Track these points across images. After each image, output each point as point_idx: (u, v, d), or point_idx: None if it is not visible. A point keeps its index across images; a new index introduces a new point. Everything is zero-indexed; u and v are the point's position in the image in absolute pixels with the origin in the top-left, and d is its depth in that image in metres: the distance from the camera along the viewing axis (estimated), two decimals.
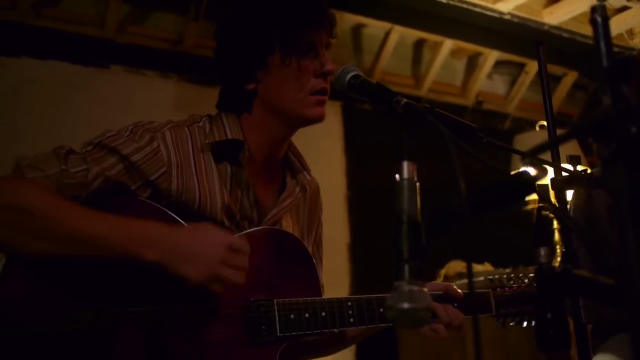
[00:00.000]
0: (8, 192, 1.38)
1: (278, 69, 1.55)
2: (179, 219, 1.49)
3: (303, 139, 1.73)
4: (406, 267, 0.87)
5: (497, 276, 1.71)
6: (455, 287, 1.66)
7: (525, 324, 1.70)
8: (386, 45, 4.28)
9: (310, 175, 1.74)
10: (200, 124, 1.61)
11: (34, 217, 1.34)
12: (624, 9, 4.18)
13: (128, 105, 3.50)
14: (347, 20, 4.12)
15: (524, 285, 1.70)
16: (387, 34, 4.27)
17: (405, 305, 0.85)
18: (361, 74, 1.39)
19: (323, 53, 1.58)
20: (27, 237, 1.35)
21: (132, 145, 1.49)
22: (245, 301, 1.49)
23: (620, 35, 4.37)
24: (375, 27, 4.30)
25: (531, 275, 1.72)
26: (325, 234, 1.89)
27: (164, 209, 1.49)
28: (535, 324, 0.98)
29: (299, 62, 1.55)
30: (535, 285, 1.68)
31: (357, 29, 4.35)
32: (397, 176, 0.91)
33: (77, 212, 1.38)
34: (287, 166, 1.72)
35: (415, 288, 0.86)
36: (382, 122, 3.23)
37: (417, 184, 0.91)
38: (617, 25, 4.27)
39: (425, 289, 0.87)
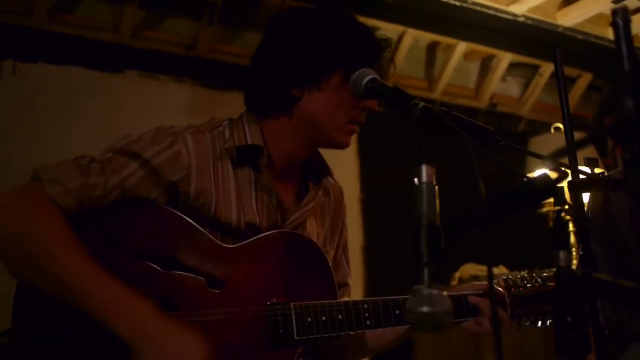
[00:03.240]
0: (27, 218, 1.37)
1: (335, 87, 1.55)
2: (194, 222, 1.49)
3: None
4: (425, 271, 0.87)
5: (511, 276, 1.71)
6: (497, 287, 1.67)
7: (539, 323, 1.70)
8: (399, 48, 4.27)
9: (333, 179, 1.74)
10: (221, 128, 1.61)
11: (40, 254, 1.34)
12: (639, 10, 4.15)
13: (143, 110, 3.52)
14: None
15: (538, 285, 1.70)
16: (401, 37, 4.27)
17: (425, 309, 0.85)
18: (378, 77, 1.39)
19: None
20: (27, 268, 1.36)
21: (153, 148, 1.49)
22: (261, 305, 1.49)
23: (635, 37, 4.34)
24: (388, 30, 4.29)
25: (545, 275, 1.73)
26: None
27: (180, 214, 1.50)
28: (554, 327, 0.97)
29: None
30: (549, 284, 1.71)
31: None
32: (415, 180, 0.91)
33: (79, 261, 1.35)
34: (308, 169, 1.72)
35: (434, 292, 0.86)
36: (396, 125, 3.23)
37: (436, 187, 0.91)
38: (633, 27, 4.24)
39: (445, 293, 0.87)
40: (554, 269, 0.99)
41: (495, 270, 3.64)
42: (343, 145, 1.63)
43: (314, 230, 1.71)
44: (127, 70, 3.61)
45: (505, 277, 1.70)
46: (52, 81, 3.37)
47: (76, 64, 3.46)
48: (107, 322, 1.31)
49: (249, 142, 1.58)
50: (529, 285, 1.70)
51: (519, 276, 1.72)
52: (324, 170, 1.73)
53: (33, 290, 1.37)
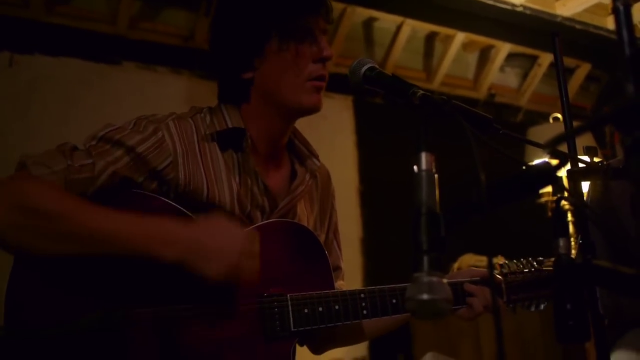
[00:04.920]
0: (20, 193, 1.35)
1: (275, 55, 1.54)
2: (187, 212, 1.48)
3: (316, 134, 1.73)
4: (425, 259, 0.87)
5: (507, 263, 1.71)
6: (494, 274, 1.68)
7: (533, 308, 1.71)
8: (398, 39, 4.27)
9: (319, 161, 1.72)
10: (202, 114, 1.61)
11: (51, 219, 1.33)
12: None
13: (140, 101, 3.52)
14: (358, 14, 4.11)
15: (533, 270, 1.71)
16: (399, 28, 4.26)
17: (425, 296, 0.84)
18: (376, 66, 1.38)
19: (321, 39, 1.57)
20: (46, 239, 1.33)
21: (136, 136, 1.47)
22: (258, 297, 1.48)
23: (635, 27, 4.33)
24: (386, 20, 4.28)
25: (540, 259, 1.74)
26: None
27: (172, 202, 1.48)
28: (554, 315, 0.97)
29: (296, 48, 1.53)
30: (544, 269, 1.71)
31: (368, 23, 4.34)
32: (415, 168, 0.90)
33: (94, 212, 1.36)
34: (293, 153, 1.71)
35: (434, 279, 0.85)
36: (394, 116, 3.23)
37: (436, 175, 0.90)
38: (634, 16, 4.23)
39: (445, 280, 0.86)
40: (552, 258, 0.99)
41: (494, 261, 3.64)
42: (314, 107, 1.58)
43: (304, 214, 1.70)
44: (124, 61, 3.60)
45: (502, 264, 1.71)
46: (49, 73, 3.36)
47: (73, 56, 3.45)
48: (151, 253, 1.34)
49: (230, 125, 1.57)
50: (525, 270, 1.71)
51: (515, 262, 1.72)
52: (309, 152, 1.71)
53: (24, 285, 1.36)
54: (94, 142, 1.46)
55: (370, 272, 4.03)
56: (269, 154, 1.64)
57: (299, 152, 1.71)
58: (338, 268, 1.80)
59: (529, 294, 1.69)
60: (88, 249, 1.35)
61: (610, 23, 4.36)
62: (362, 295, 1.55)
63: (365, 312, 1.54)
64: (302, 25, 1.54)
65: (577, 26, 4.41)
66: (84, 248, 1.35)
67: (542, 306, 1.72)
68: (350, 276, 1.87)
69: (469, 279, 1.64)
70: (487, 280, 1.63)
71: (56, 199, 1.35)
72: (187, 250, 1.35)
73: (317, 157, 1.72)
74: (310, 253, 1.58)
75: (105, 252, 1.35)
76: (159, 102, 3.54)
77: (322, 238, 1.75)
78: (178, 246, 1.35)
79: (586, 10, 4.32)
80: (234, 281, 1.38)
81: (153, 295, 1.41)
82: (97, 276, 1.39)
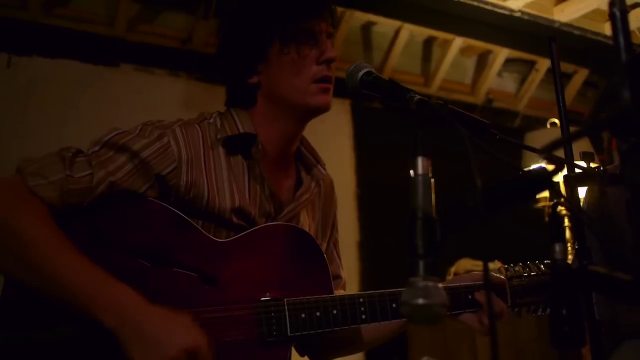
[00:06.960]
0: (7, 209, 1.34)
1: (278, 58, 1.54)
2: (185, 216, 1.47)
3: (313, 137, 1.73)
4: (421, 263, 0.86)
5: (512, 265, 1.69)
6: (496, 275, 1.65)
7: (540, 312, 1.67)
8: (396, 43, 4.27)
9: (325, 169, 1.71)
10: (211, 120, 1.59)
11: (20, 244, 1.32)
12: (635, 5, 4.15)
13: (138, 104, 3.51)
14: (356, 18, 4.11)
15: (538, 274, 1.68)
16: (397, 32, 4.26)
17: (420, 301, 0.84)
18: (373, 70, 1.38)
19: (323, 40, 1.56)
20: (8, 259, 1.33)
21: (141, 141, 1.46)
22: (254, 301, 1.46)
23: (632, 33, 4.34)
24: (385, 25, 4.29)
25: (547, 261, 1.70)
26: None
27: (171, 207, 1.47)
28: (550, 320, 0.97)
29: (298, 50, 1.53)
30: (549, 273, 1.68)
31: (367, 27, 4.34)
32: (411, 172, 0.90)
33: (61, 252, 1.33)
34: (300, 161, 1.70)
35: (430, 284, 0.85)
36: (392, 120, 3.23)
37: (432, 180, 0.90)
38: (630, 22, 4.24)
39: (440, 285, 0.86)
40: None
41: (490, 265, 3.63)
42: (322, 107, 1.57)
43: (306, 222, 1.68)
44: (122, 63, 3.60)
45: (507, 267, 1.68)
46: (47, 75, 3.36)
47: (71, 58, 3.44)
48: (92, 312, 1.29)
49: (242, 130, 1.56)
50: (530, 274, 1.67)
51: (520, 265, 1.70)
52: (316, 160, 1.70)
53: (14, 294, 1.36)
54: (97, 148, 1.45)
55: (368, 276, 4.03)
56: (277, 160, 1.63)
57: (305, 160, 1.70)
58: (338, 277, 1.79)
59: (535, 297, 1.65)
60: (39, 284, 1.32)
61: (608, 29, 4.37)
62: (361, 300, 1.52)
63: (364, 316, 1.52)
64: (303, 28, 1.53)
65: (575, 32, 4.41)
66: (34, 281, 1.33)
67: (548, 310, 1.68)
68: (348, 280, 1.86)
69: (471, 283, 1.62)
70: (489, 283, 1.62)
71: (34, 228, 1.33)
72: (124, 325, 1.29)
73: (323, 165, 1.71)
74: (310, 258, 1.56)
75: (51, 293, 1.32)
76: (156, 104, 3.54)
77: (323, 247, 1.73)
78: (118, 317, 1.29)
79: (584, 16, 4.33)
80: None
81: (148, 297, 1.39)
82: None
